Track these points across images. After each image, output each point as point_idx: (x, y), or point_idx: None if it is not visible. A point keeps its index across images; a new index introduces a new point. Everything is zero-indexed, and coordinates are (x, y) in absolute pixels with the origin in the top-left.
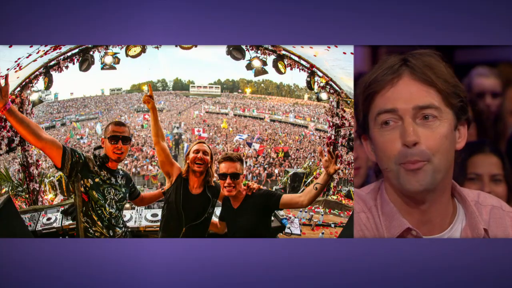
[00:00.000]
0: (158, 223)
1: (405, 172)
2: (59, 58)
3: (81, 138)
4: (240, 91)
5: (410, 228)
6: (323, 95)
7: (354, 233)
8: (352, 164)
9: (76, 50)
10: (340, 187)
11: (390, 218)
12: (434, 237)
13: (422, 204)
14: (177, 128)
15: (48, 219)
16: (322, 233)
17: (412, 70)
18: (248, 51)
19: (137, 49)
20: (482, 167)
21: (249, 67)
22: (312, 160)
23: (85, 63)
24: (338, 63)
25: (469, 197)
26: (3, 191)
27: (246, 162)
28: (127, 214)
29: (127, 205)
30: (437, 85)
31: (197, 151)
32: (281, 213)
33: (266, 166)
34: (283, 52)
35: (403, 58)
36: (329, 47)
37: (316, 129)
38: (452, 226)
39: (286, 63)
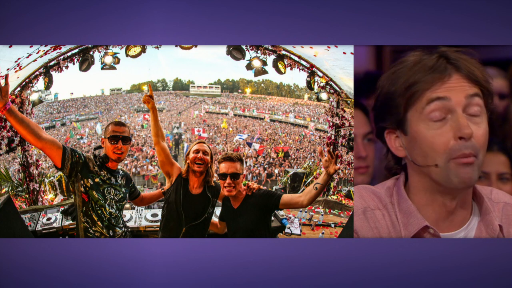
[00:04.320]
0: (158, 223)
1: (456, 166)
2: (59, 58)
3: (81, 138)
4: (240, 91)
5: (428, 226)
6: (323, 95)
7: (367, 232)
8: (352, 164)
9: (76, 50)
10: (340, 187)
11: (407, 215)
12: (438, 238)
13: (452, 201)
14: (177, 128)
15: (48, 219)
16: (322, 233)
17: (458, 68)
18: (248, 51)
19: (137, 49)
20: (490, 165)
21: (249, 67)
22: (312, 160)
23: (85, 63)
24: (338, 63)
25: (482, 193)
26: (3, 191)
27: (246, 162)
28: (127, 214)
29: (127, 205)
30: (481, 83)
31: (197, 151)
32: (281, 213)
33: (266, 166)
34: (283, 52)
35: (445, 57)
36: (329, 47)
37: (316, 129)
38: (469, 223)
39: (286, 63)
